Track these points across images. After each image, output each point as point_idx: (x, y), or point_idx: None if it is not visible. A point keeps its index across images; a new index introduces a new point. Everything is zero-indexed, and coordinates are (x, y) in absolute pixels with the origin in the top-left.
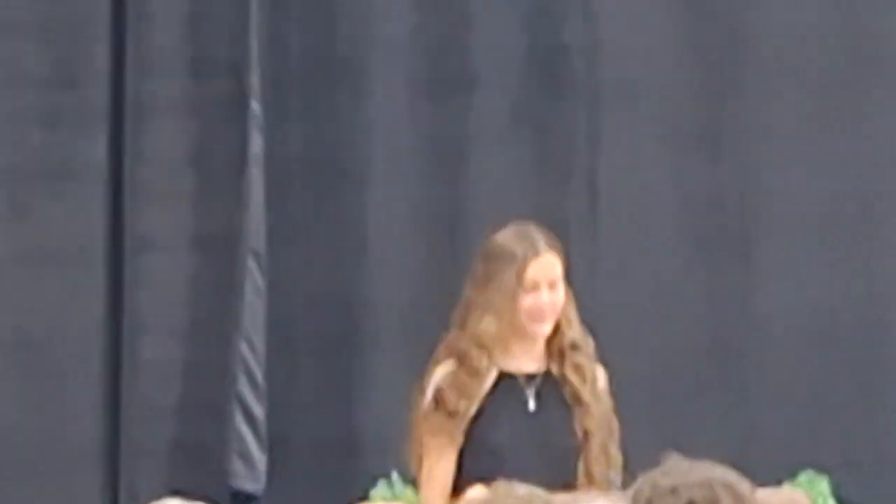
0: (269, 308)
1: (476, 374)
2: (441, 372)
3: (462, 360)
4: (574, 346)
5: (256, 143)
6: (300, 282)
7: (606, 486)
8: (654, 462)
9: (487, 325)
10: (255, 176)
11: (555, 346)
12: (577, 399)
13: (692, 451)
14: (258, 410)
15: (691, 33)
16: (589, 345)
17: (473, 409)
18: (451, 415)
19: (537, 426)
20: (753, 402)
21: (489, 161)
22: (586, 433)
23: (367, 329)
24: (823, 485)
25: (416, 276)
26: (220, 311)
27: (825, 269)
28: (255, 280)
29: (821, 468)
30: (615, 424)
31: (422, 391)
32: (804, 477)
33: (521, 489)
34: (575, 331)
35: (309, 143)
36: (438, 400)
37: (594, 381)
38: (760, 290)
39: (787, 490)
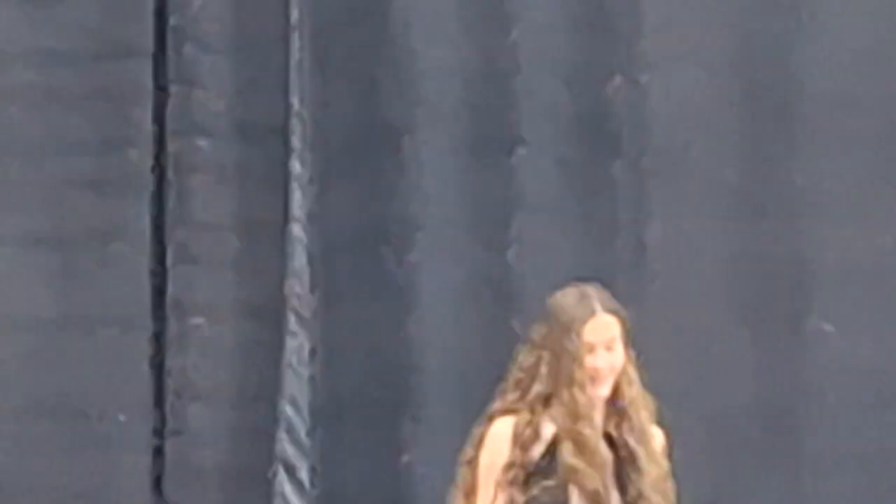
0: (316, 371)
1: (589, 442)
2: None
3: (576, 438)
4: (633, 407)
5: (299, 206)
6: (346, 344)
7: None
8: None
9: (579, 396)
10: (299, 238)
11: (613, 405)
12: (634, 461)
13: None
14: (303, 474)
15: (740, 94)
16: (650, 406)
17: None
18: (595, 496)
19: None
20: (806, 470)
21: (535, 222)
22: (641, 496)
23: (414, 391)
24: None
25: (463, 337)
26: (264, 374)
27: (878, 335)
28: (299, 342)
29: None
30: (670, 486)
31: (475, 448)
32: None
33: None
34: (635, 391)
35: (353, 206)
36: (572, 480)
37: (652, 443)
38: (812, 356)
39: None
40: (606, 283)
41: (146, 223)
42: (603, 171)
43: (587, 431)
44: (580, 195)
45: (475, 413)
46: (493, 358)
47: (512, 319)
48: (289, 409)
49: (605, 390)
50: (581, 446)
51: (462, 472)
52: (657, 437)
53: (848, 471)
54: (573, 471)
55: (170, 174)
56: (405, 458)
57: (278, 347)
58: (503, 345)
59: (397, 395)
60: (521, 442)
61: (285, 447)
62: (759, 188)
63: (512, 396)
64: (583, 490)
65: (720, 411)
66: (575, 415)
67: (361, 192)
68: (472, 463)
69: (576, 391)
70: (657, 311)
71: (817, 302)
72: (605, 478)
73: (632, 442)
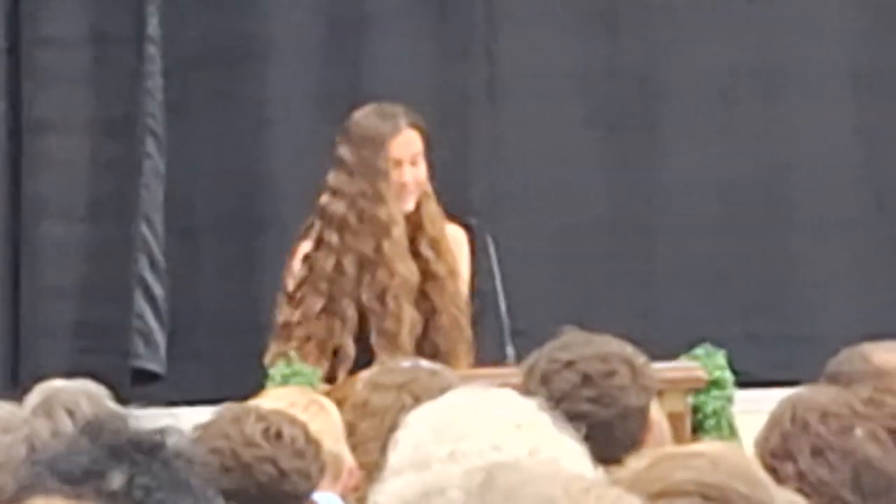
0: (169, 188)
1: (389, 259)
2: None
3: (378, 257)
4: (431, 220)
5: (154, 24)
6: (200, 161)
7: (460, 360)
8: (553, 336)
9: (381, 211)
10: (154, 56)
11: (412, 219)
12: (430, 273)
13: (593, 325)
14: (158, 290)
15: None
16: (443, 217)
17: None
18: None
19: None
20: (655, 277)
21: (388, 38)
22: (435, 307)
23: (267, 207)
24: (720, 358)
25: (316, 153)
26: (119, 192)
27: (727, 143)
28: (153, 160)
29: (719, 342)
30: (466, 293)
31: (290, 267)
32: (701, 350)
33: (406, 363)
34: (432, 204)
35: (207, 24)
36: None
37: (447, 252)
38: (662, 165)
39: (684, 363)
40: (460, 95)
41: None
42: None
43: (388, 248)
44: (432, 8)
45: None
46: None
47: None
48: (144, 228)
49: (410, 205)
50: (382, 263)
51: (282, 282)
52: (457, 236)
53: (694, 275)
54: (378, 287)
55: None
56: (257, 272)
57: (133, 165)
58: None
59: (250, 210)
60: (319, 260)
61: (141, 265)
62: (611, 1)
63: (322, 221)
64: (383, 309)
65: (573, 224)
66: (377, 232)
67: (214, 9)
68: (287, 275)
69: (379, 207)
70: (509, 125)
71: (669, 114)
72: (401, 295)
73: (429, 255)
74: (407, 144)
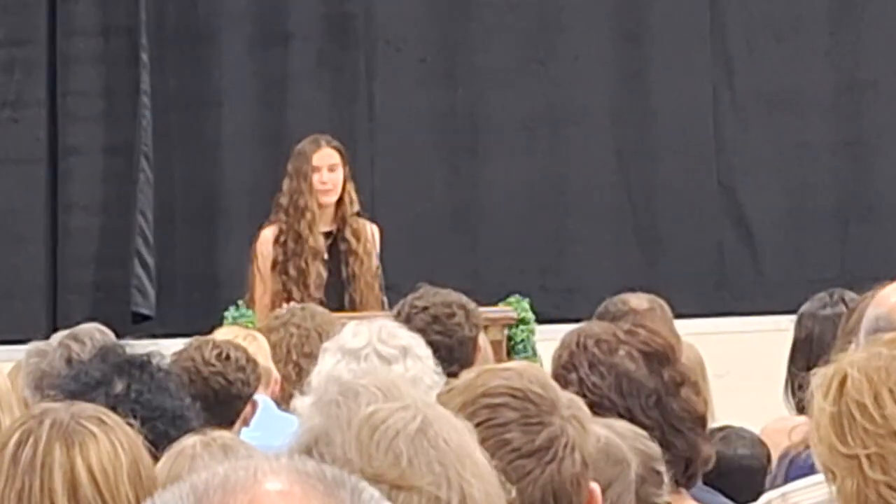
0: (156, 192)
1: (303, 233)
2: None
3: (301, 228)
4: (353, 215)
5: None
6: (178, 175)
7: (373, 309)
8: (413, 290)
9: (302, 201)
10: None
11: (339, 213)
12: (351, 252)
13: (440, 282)
14: (150, 260)
15: None
16: (363, 214)
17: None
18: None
19: (329, 269)
20: (482, 250)
21: (302, 91)
22: (355, 274)
23: (223, 205)
24: (525, 304)
25: (259, 176)
26: (124, 195)
27: (530, 162)
28: (146, 173)
29: (524, 293)
30: (378, 270)
31: (252, 250)
32: (513, 298)
33: (287, 307)
34: (354, 205)
35: (188, 75)
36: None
37: (366, 239)
38: (486, 175)
39: (501, 307)
40: (350, 131)
41: None
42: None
43: (303, 226)
44: (328, 68)
45: (262, 221)
46: (273, 183)
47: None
48: (140, 219)
49: (331, 199)
50: (303, 236)
51: (249, 269)
52: (369, 230)
53: (508, 248)
54: (298, 252)
55: None
56: (220, 248)
57: (132, 177)
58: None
59: (212, 208)
60: (282, 242)
61: (139, 244)
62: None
63: (275, 209)
64: (303, 266)
65: (424, 214)
66: (301, 214)
67: (192, 63)
68: (253, 261)
69: (301, 197)
70: (385, 149)
71: (490, 142)
72: (309, 257)
73: (351, 240)
74: (325, 156)
